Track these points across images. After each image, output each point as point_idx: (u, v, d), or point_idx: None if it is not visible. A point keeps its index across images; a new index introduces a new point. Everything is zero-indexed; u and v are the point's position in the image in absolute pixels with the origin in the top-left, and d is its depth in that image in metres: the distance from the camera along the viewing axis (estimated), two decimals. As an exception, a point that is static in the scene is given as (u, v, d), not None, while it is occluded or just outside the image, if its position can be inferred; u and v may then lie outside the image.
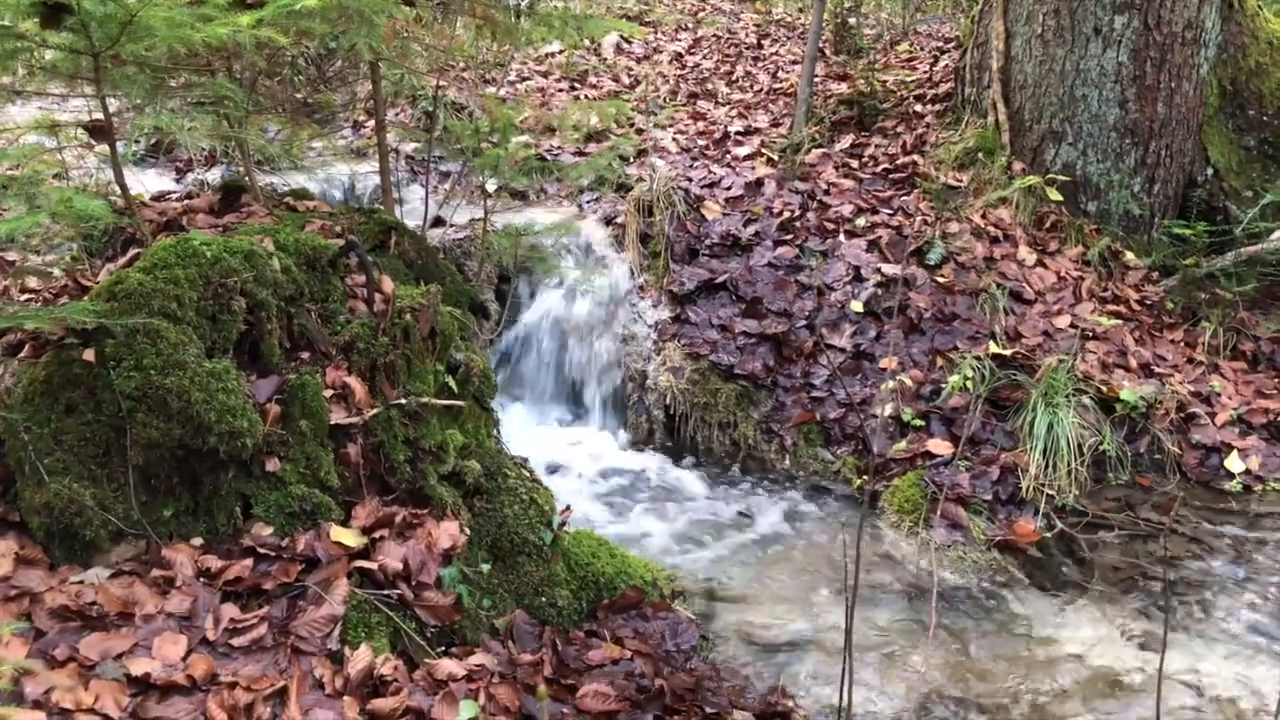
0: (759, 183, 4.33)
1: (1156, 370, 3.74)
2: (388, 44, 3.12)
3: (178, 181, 4.22)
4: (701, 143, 4.85)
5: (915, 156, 4.52)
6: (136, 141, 4.22)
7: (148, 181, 4.01)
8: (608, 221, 4.14)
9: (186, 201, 3.19)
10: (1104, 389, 3.47)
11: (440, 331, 2.54)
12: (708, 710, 2.29)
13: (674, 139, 4.86)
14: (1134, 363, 3.72)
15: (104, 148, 2.78)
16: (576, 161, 4.26)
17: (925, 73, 5.43)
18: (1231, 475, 3.41)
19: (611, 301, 3.85)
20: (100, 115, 2.53)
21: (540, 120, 4.41)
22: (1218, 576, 2.88)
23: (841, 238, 4.03)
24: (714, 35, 6.75)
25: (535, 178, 4.03)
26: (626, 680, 2.29)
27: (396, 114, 4.92)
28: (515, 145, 3.74)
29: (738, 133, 4.96)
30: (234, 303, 2.23)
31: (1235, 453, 3.46)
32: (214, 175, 4.11)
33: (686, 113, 5.31)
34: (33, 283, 2.65)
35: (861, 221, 4.09)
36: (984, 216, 4.13)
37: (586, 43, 6.07)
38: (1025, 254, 4.04)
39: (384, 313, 2.39)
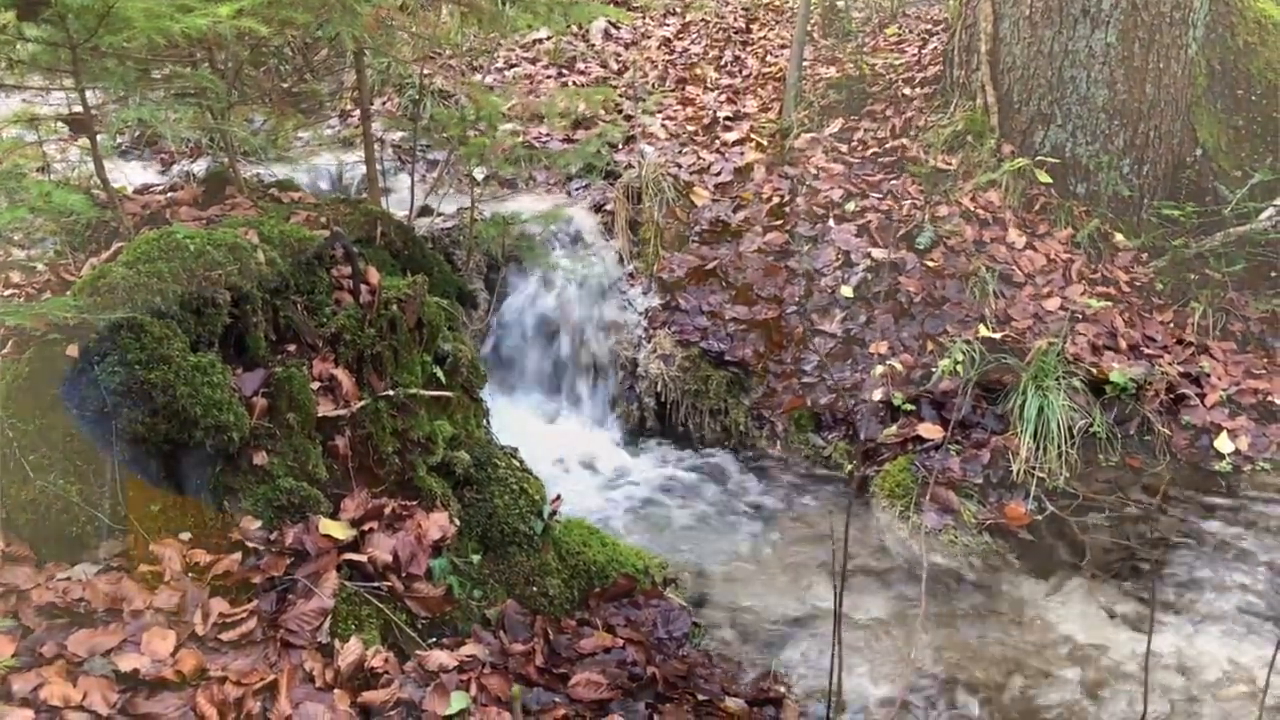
0: (748, 168, 4.31)
1: (1146, 352, 3.74)
2: (372, 33, 3.09)
3: (162, 174, 4.19)
4: (690, 128, 4.83)
5: (904, 140, 4.51)
6: (120, 134, 4.18)
7: (132, 174, 3.98)
8: (597, 209, 4.13)
9: (170, 194, 3.16)
10: (1094, 371, 3.47)
11: (427, 322, 2.53)
12: (700, 697, 2.29)
13: (662, 125, 4.83)
14: (1124, 344, 3.72)
15: (86, 141, 2.76)
16: (564, 149, 4.23)
17: (914, 56, 5.41)
18: (1221, 456, 3.42)
19: (601, 289, 3.83)
20: (80, 108, 2.51)
21: (528, 108, 4.38)
22: (1207, 557, 2.89)
23: (831, 222, 4.02)
24: (702, 20, 6.71)
25: (523, 166, 4.01)
26: (619, 668, 2.29)
27: (383, 103, 4.88)
28: (502, 133, 3.72)
29: (726, 118, 4.93)
30: (218, 296, 2.22)
31: (1225, 433, 3.46)
32: (199, 167, 4.08)
33: (675, 98, 5.29)
34: (15, 277, 2.63)
35: (851, 206, 4.08)
36: (973, 199, 4.12)
37: (574, 29, 6.03)
38: (1015, 237, 4.03)
39: (370, 304, 2.38)
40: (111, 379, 2.03)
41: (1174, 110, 4.28)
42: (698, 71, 5.99)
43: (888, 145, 4.57)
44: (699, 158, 4.39)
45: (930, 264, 3.86)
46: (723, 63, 6.06)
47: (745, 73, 5.88)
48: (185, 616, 2.01)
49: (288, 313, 2.35)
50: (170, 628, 1.98)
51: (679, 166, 4.26)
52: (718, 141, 4.71)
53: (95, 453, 2.06)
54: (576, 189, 4.30)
